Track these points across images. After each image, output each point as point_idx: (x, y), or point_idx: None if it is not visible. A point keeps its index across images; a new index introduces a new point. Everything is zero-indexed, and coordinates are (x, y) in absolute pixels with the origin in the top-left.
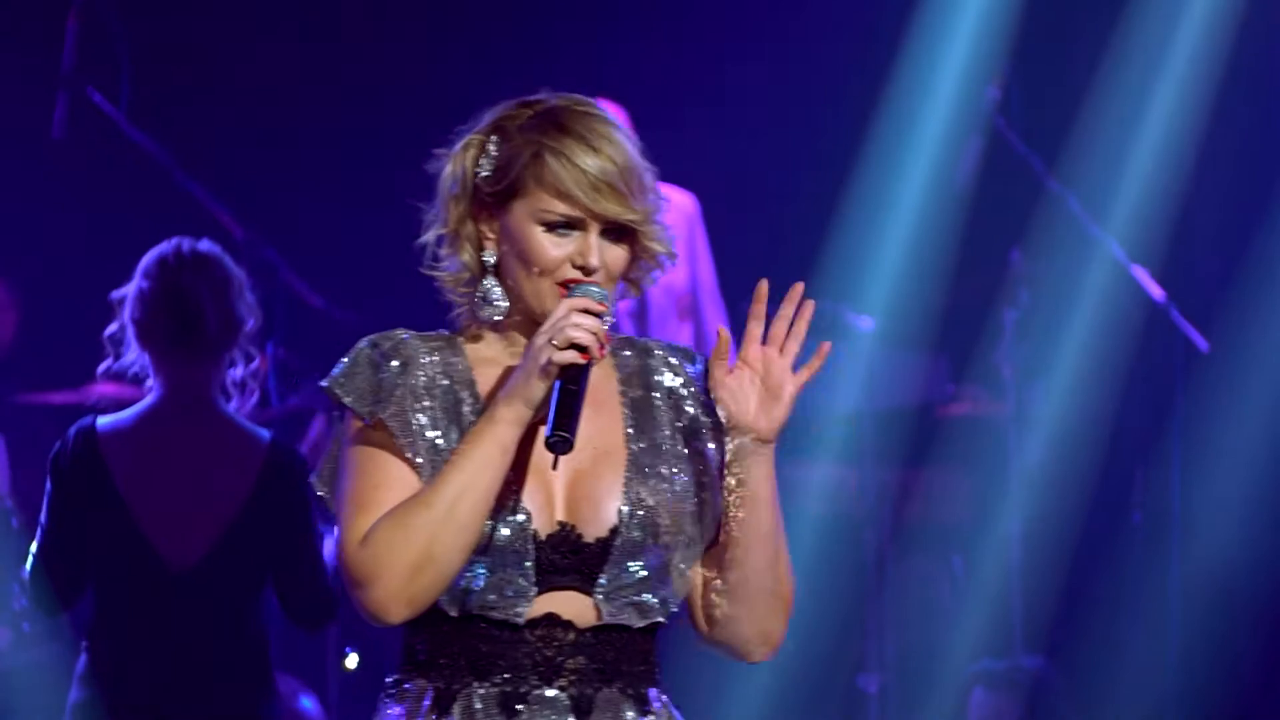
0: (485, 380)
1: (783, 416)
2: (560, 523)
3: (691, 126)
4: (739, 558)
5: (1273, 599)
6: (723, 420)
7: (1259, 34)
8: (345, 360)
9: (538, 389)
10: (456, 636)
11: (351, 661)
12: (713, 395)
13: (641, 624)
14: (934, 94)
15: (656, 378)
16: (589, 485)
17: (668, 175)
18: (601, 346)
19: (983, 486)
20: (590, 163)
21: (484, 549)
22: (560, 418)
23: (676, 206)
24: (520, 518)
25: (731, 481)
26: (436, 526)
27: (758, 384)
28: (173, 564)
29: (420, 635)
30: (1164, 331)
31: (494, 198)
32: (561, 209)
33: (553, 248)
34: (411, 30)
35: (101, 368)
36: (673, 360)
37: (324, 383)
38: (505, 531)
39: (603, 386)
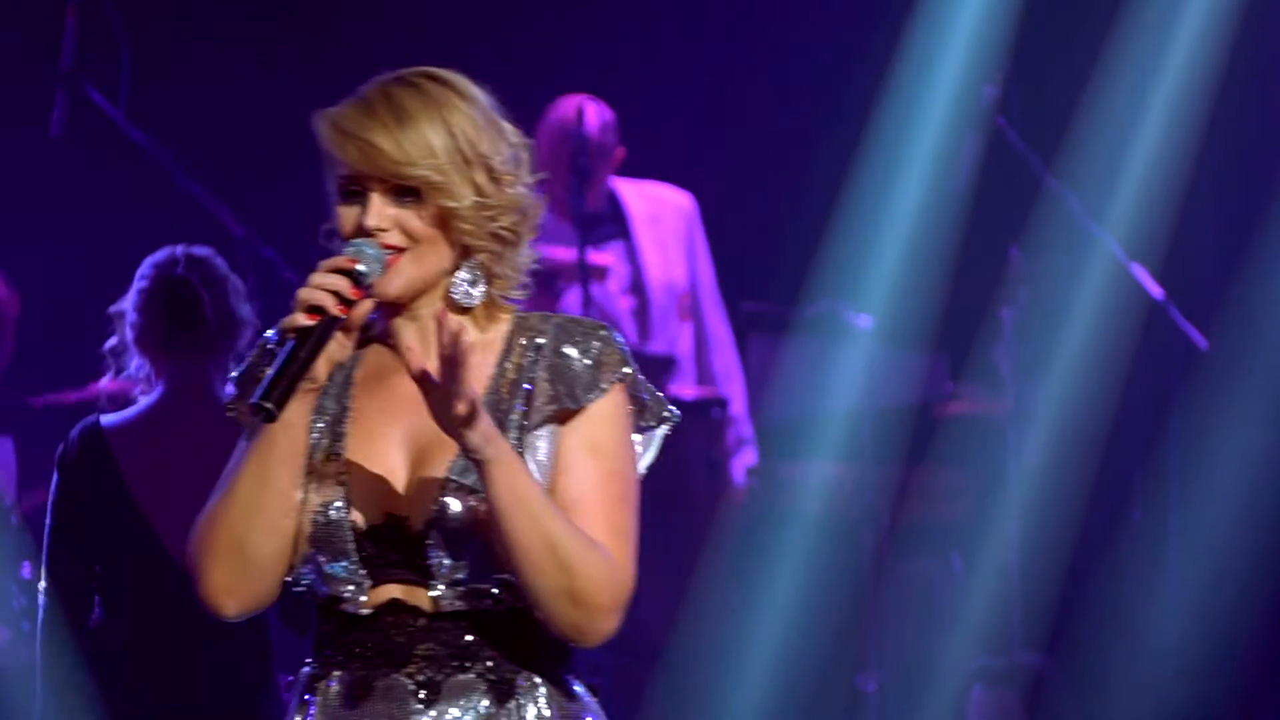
0: (365, 357)
1: (461, 426)
2: (386, 514)
3: (690, 126)
4: (513, 565)
5: (1271, 596)
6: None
7: (1258, 32)
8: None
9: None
10: (329, 625)
11: None
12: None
13: (497, 608)
14: (932, 92)
15: (540, 360)
16: (418, 474)
17: (666, 175)
18: (346, 304)
19: (982, 485)
20: (351, 121)
21: (316, 541)
22: (270, 385)
23: (674, 206)
24: (340, 507)
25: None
26: (226, 513)
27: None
28: (179, 560)
29: (320, 625)
30: (1163, 329)
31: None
32: (338, 172)
33: (344, 215)
34: (412, 28)
35: (103, 381)
36: (558, 333)
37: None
38: (328, 521)
39: (479, 367)
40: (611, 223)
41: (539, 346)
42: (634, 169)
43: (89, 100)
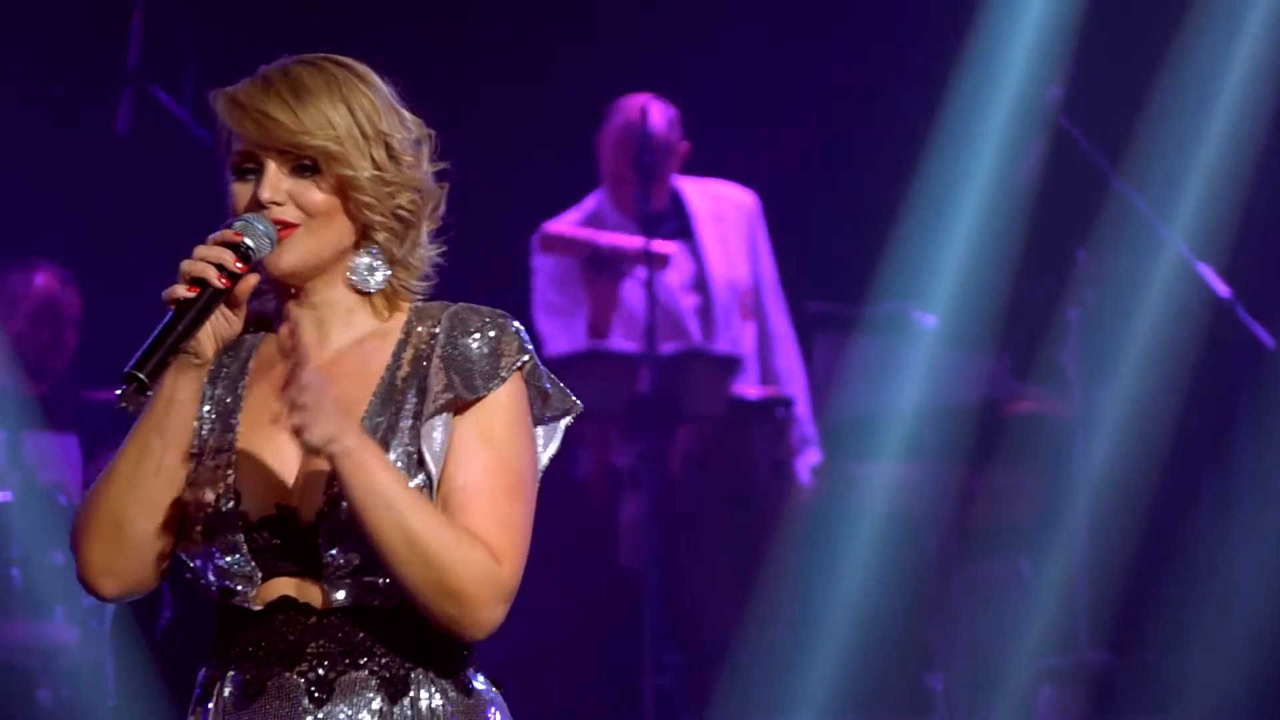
0: (261, 346)
1: (297, 425)
2: (277, 505)
3: (755, 125)
4: (380, 559)
5: None
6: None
7: None
8: None
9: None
10: (222, 622)
11: None
12: None
13: (389, 604)
14: (997, 93)
15: (436, 349)
16: (310, 465)
17: (731, 174)
18: (231, 277)
19: (1048, 485)
20: (248, 95)
21: (208, 534)
22: (144, 355)
23: (737, 204)
24: (229, 499)
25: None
26: (105, 490)
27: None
28: None
29: (216, 624)
30: (1230, 329)
31: None
32: (234, 149)
33: (238, 192)
34: (476, 29)
35: None
36: (453, 321)
37: None
38: (217, 515)
39: (372, 359)
40: (675, 221)
41: (434, 335)
42: (699, 168)
43: (154, 99)
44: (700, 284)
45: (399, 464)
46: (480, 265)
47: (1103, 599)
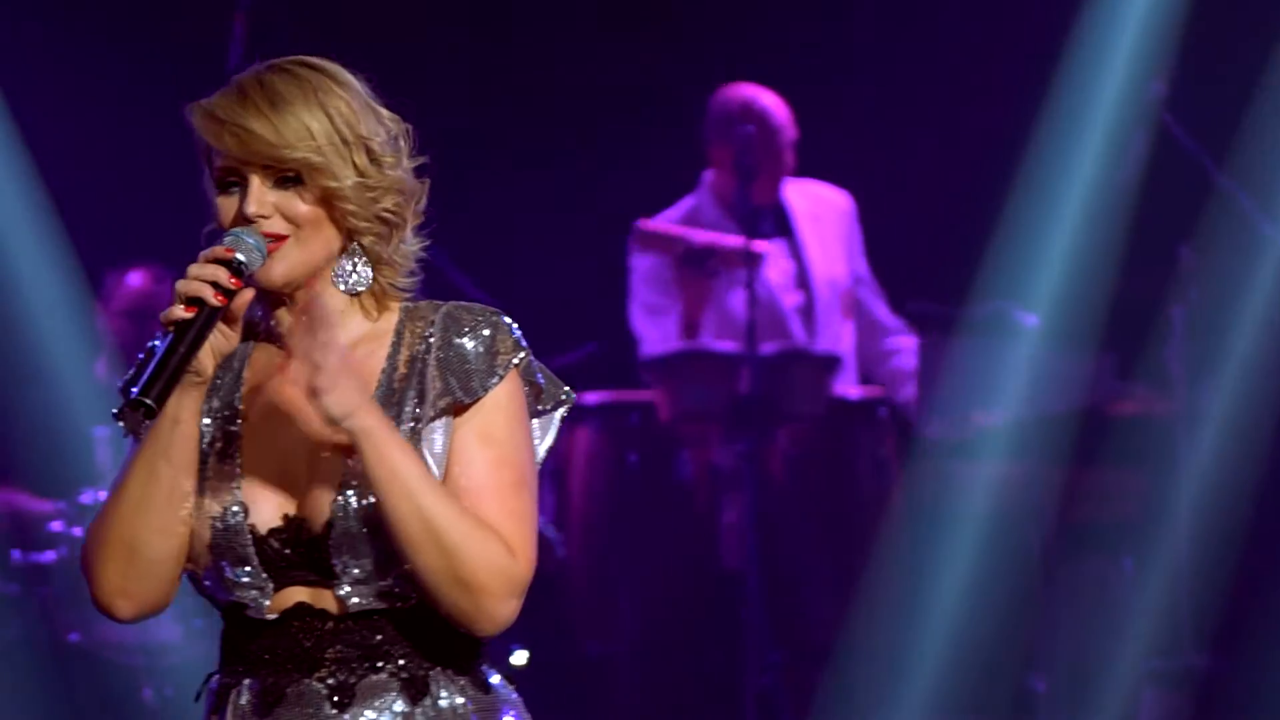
0: (257, 357)
1: (322, 394)
2: (286, 515)
3: (855, 123)
4: (397, 547)
5: None
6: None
7: None
8: None
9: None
10: (233, 631)
11: (519, 658)
12: None
13: (405, 605)
14: (1100, 90)
15: (431, 351)
16: (316, 476)
17: (832, 174)
18: (226, 294)
19: (1152, 485)
20: (225, 109)
21: (216, 548)
22: (150, 380)
23: (835, 205)
24: (237, 511)
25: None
26: (115, 513)
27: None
28: None
29: (226, 632)
30: None
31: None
32: (215, 164)
33: (225, 207)
34: (581, 24)
35: None
36: (446, 321)
37: None
38: (225, 527)
39: (367, 363)
40: (775, 219)
41: (428, 336)
42: (799, 168)
43: None
44: (802, 282)
45: None
46: (579, 265)
47: (1207, 600)
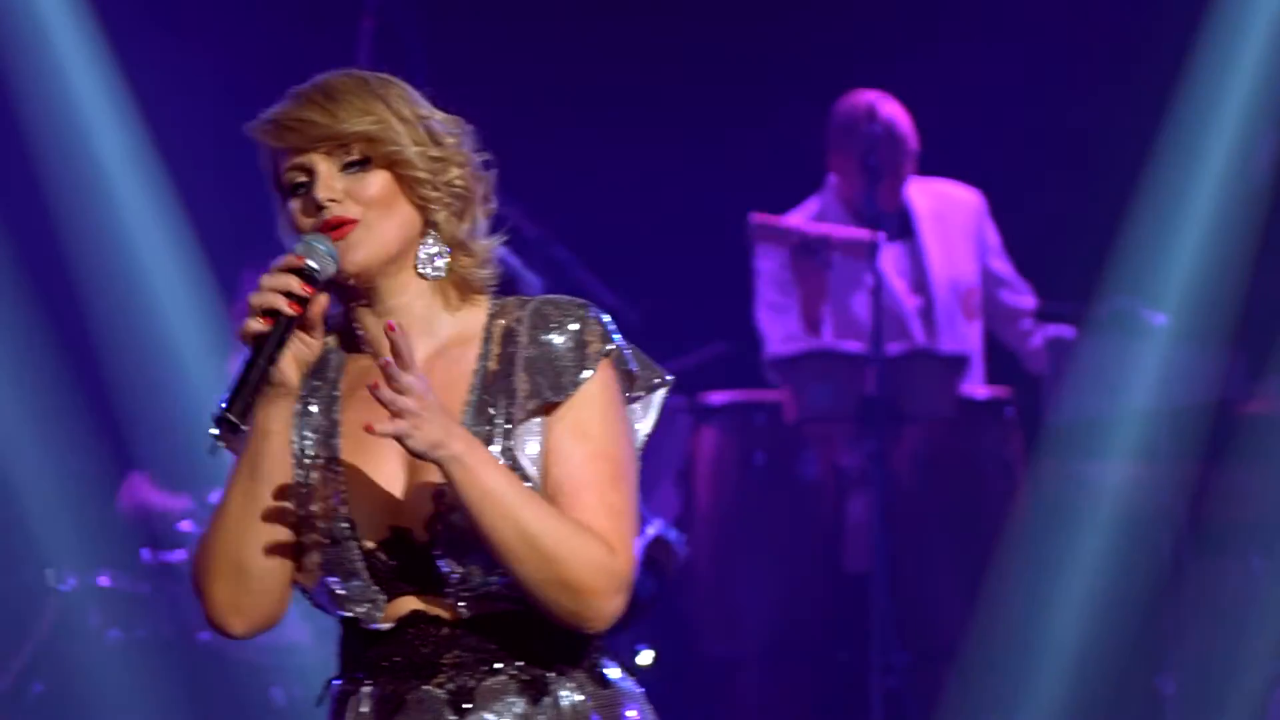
0: (350, 367)
1: (401, 433)
2: (392, 528)
3: (983, 123)
4: (498, 560)
5: None
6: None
7: None
8: None
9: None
10: (351, 640)
11: (645, 658)
12: None
13: (516, 608)
14: (1230, 86)
15: (519, 349)
16: (417, 485)
17: (959, 172)
18: (300, 302)
19: None
20: (281, 111)
21: (326, 564)
22: (233, 395)
23: (962, 203)
24: (344, 526)
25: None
26: (219, 532)
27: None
28: None
29: (343, 639)
30: None
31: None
32: (281, 168)
33: (297, 207)
34: (702, 26)
35: None
36: (537, 318)
37: None
38: (334, 542)
39: (459, 365)
40: (899, 222)
41: (516, 334)
42: (927, 167)
43: None
44: (921, 285)
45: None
46: (706, 265)
47: None
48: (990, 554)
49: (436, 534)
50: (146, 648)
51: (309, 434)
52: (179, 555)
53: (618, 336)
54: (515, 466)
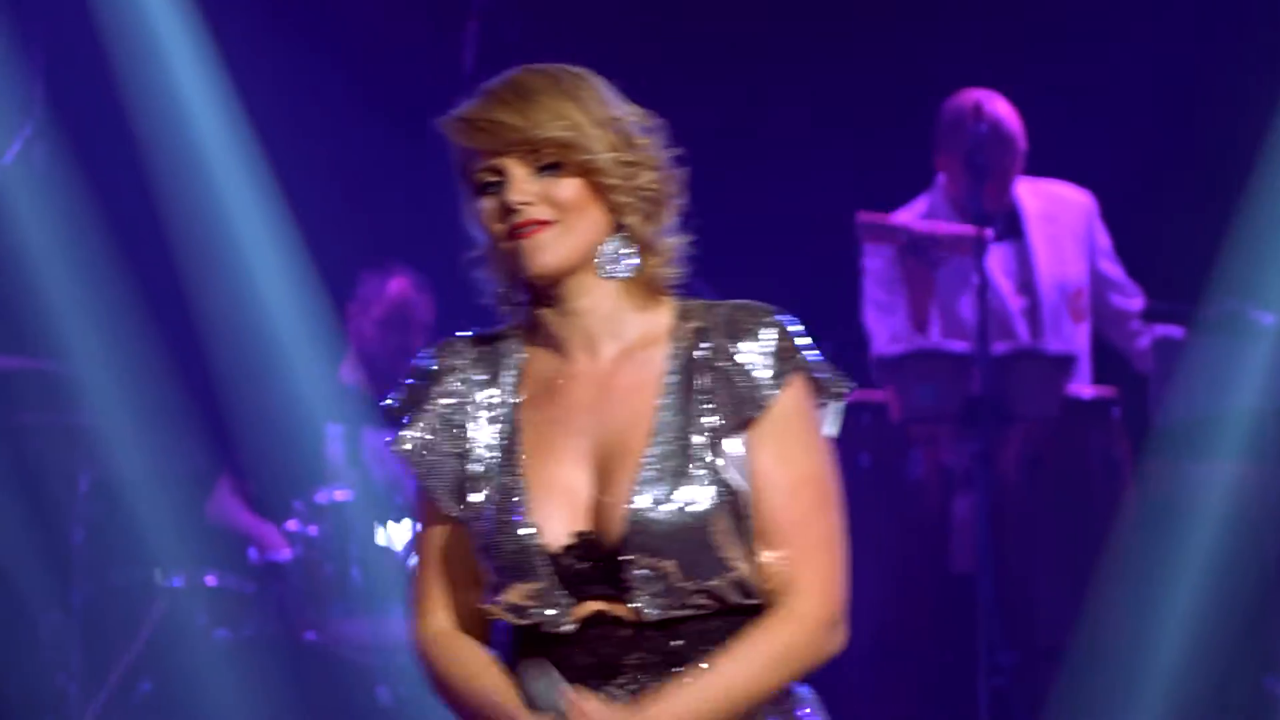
0: (529, 370)
1: None
2: (578, 533)
3: (1091, 123)
4: None
5: None
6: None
7: None
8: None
9: None
10: (522, 643)
11: None
12: None
13: (700, 612)
14: None
15: (714, 356)
16: (605, 486)
17: (1067, 172)
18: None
19: None
20: (474, 110)
21: (509, 567)
22: None
23: (1073, 204)
24: (530, 532)
25: None
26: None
27: None
28: None
29: (514, 648)
30: None
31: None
32: (474, 162)
33: (484, 205)
34: (817, 25)
35: None
36: (728, 325)
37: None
38: (519, 549)
39: (648, 367)
40: (1006, 222)
41: (708, 339)
42: (1035, 167)
43: None
44: (1028, 285)
45: (702, 480)
46: (811, 263)
47: None
48: (1096, 554)
49: (627, 538)
50: (253, 647)
51: (494, 438)
52: (285, 555)
53: (808, 344)
54: (720, 482)
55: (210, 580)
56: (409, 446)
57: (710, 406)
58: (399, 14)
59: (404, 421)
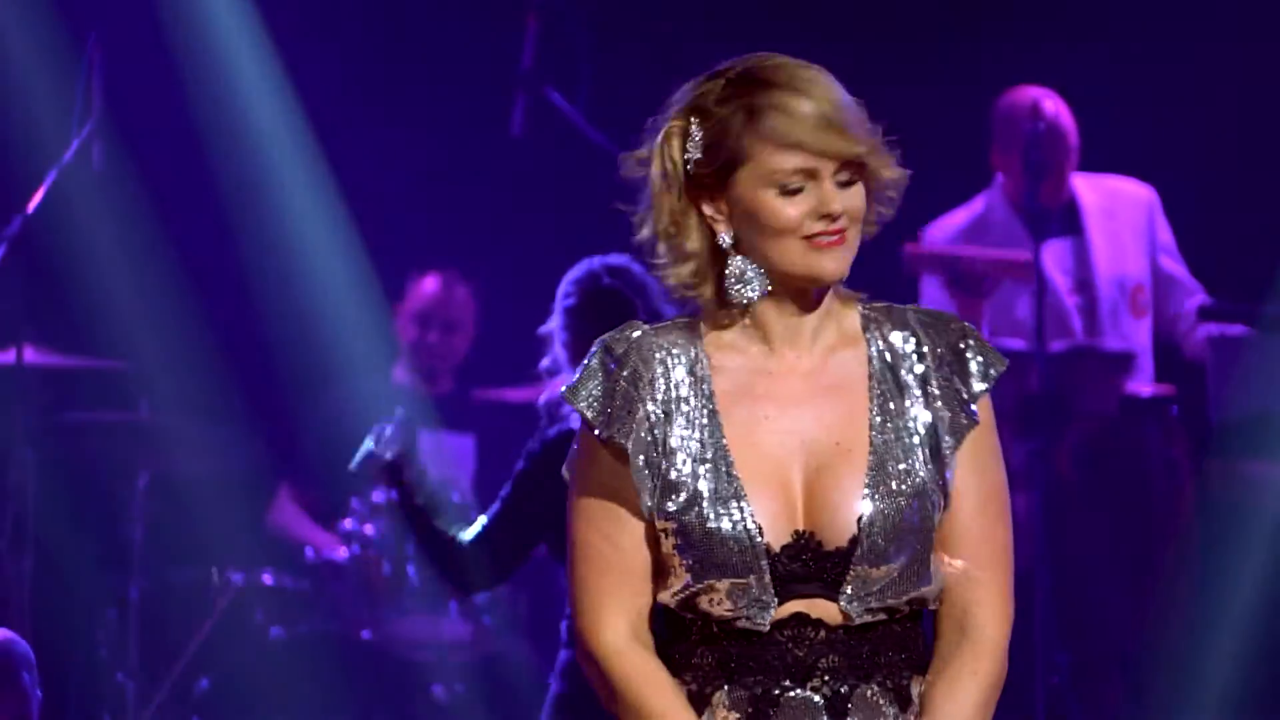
0: (721, 366)
1: None
2: (797, 532)
3: (1151, 119)
4: None
5: None
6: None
7: None
8: (582, 366)
9: None
10: (707, 643)
11: None
12: None
13: (895, 619)
14: None
15: (907, 352)
16: (827, 488)
17: (1128, 169)
18: None
19: None
20: (806, 107)
21: (719, 564)
22: None
23: (1133, 199)
24: (751, 529)
25: None
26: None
27: None
28: None
29: (675, 644)
30: None
31: (713, 177)
32: (792, 163)
33: (789, 207)
34: (875, 25)
35: (541, 399)
36: (923, 331)
37: (563, 388)
38: (737, 546)
39: (851, 367)
40: (1064, 219)
41: (910, 344)
42: (1094, 164)
43: (548, 101)
44: (1084, 283)
45: (923, 485)
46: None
47: None
48: (1154, 552)
49: (854, 538)
50: (309, 644)
51: (689, 436)
52: (341, 554)
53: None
54: (940, 488)
55: (267, 578)
56: (623, 444)
57: (924, 411)
58: (458, 12)
59: (603, 422)
